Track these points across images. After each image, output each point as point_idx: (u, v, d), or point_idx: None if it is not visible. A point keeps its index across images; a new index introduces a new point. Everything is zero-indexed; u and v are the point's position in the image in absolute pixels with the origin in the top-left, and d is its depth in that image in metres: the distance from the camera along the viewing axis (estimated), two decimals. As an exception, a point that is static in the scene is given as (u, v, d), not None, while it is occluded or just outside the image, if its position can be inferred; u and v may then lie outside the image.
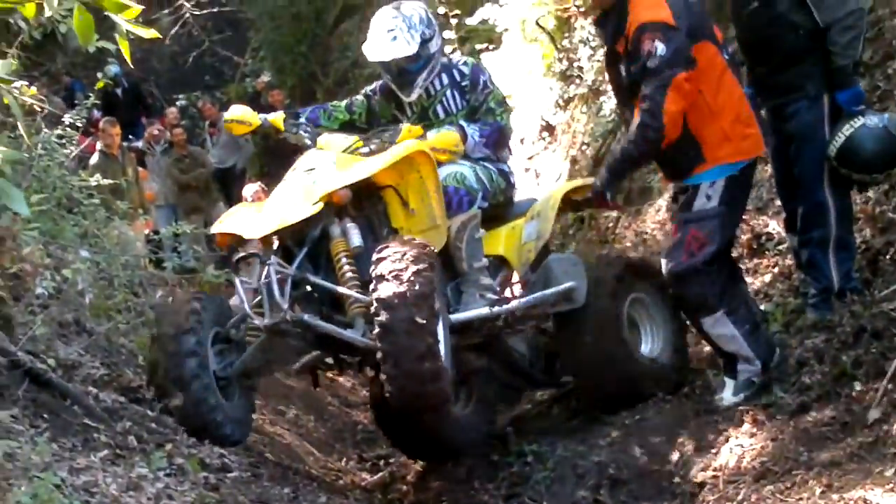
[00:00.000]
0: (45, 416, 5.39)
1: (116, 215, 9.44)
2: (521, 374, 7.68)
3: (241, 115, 7.11)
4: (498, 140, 7.20)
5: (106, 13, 2.54)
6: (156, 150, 16.82)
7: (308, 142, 6.97)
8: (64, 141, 8.86)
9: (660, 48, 6.24)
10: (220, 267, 8.99)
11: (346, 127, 7.29)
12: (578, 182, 7.85)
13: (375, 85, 7.54)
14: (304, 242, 6.40)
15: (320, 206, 6.29)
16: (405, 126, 6.90)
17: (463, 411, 7.39)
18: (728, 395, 6.63)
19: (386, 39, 7.01)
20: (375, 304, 5.76)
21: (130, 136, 16.57)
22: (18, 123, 2.79)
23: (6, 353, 5.63)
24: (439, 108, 7.24)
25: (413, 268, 5.76)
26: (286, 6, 21.99)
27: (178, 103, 20.65)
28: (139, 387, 6.61)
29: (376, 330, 5.77)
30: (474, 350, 7.17)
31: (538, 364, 7.73)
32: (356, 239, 6.34)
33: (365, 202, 6.65)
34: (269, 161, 17.09)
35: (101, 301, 7.44)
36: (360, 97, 7.53)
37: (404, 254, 5.85)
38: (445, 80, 7.23)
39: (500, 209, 7.30)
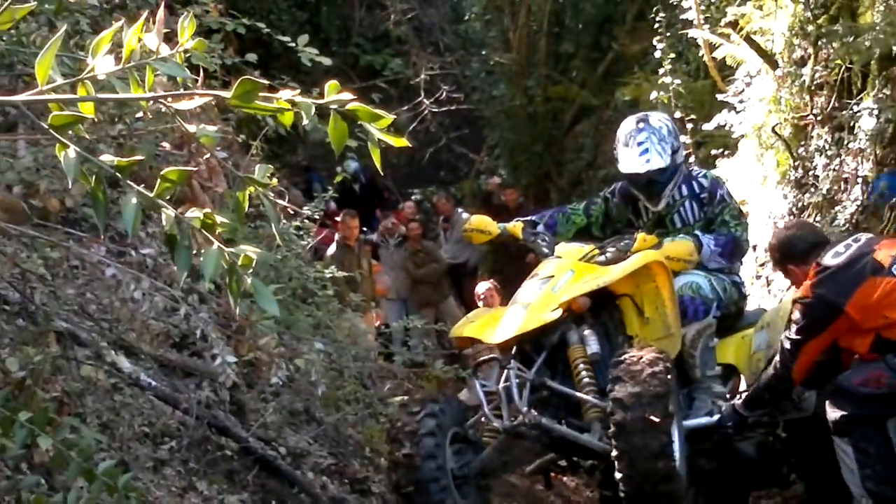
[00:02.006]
0: (273, 502, 5.48)
1: (349, 307, 9.61)
2: (749, 476, 7.57)
3: (481, 224, 7.30)
4: (733, 251, 7.25)
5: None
6: (389, 244, 16.99)
7: (546, 250, 7.10)
8: (301, 232, 9.09)
9: None
10: (449, 363, 9.08)
11: (582, 233, 7.37)
12: None
13: (614, 187, 7.64)
14: (543, 348, 6.52)
15: (560, 312, 6.38)
16: (640, 235, 6.97)
17: None
18: None
19: (637, 152, 7.11)
20: (612, 404, 5.82)
21: (365, 229, 16.80)
22: (272, 225, 2.85)
23: (238, 438, 5.76)
24: (676, 218, 7.32)
25: (649, 370, 5.83)
26: (523, 106, 22.23)
27: (413, 198, 20.92)
28: (365, 478, 6.68)
29: (611, 429, 5.80)
30: (703, 454, 7.11)
31: (767, 466, 7.57)
32: (594, 346, 6.46)
33: (601, 310, 6.75)
34: (501, 259, 17.16)
35: (332, 391, 7.55)
36: (598, 200, 7.65)
37: (641, 358, 5.93)
38: (685, 190, 7.31)
39: (731, 319, 7.32)
